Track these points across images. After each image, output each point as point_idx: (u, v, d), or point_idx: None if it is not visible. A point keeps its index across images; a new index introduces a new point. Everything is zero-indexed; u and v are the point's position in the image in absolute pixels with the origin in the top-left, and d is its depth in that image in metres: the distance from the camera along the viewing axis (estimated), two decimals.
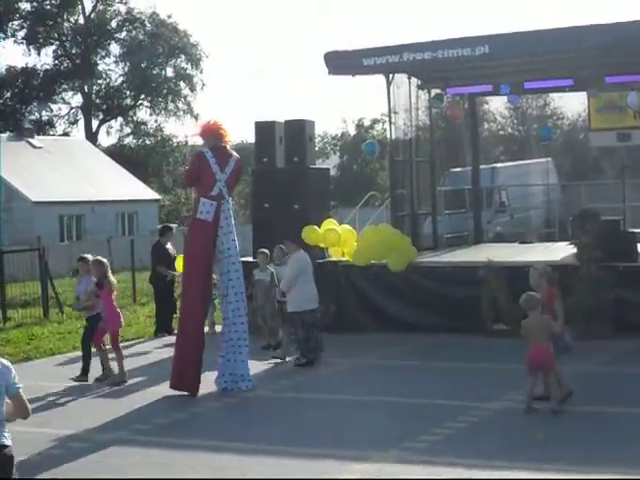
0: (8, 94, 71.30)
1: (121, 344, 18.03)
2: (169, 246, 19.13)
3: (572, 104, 51.90)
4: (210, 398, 12.65)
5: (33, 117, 69.69)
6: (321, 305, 18.10)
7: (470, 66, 19.69)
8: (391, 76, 20.01)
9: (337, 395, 12.46)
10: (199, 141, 13.98)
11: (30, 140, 56.44)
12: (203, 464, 9.31)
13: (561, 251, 18.18)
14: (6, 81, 70.44)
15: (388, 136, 21.91)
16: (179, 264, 17.46)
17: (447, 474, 8.58)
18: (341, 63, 19.74)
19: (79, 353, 17.10)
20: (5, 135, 59.12)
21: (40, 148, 56.02)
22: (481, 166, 25.19)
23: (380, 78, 20.12)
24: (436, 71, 20.47)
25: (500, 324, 16.58)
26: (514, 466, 8.73)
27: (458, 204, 25.23)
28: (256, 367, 14.76)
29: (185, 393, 12.78)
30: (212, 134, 13.22)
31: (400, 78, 20.35)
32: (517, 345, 15.44)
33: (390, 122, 20.65)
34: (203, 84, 73.53)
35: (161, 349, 17.21)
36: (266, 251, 16.62)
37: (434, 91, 21.95)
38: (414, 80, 20.97)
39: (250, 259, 18.61)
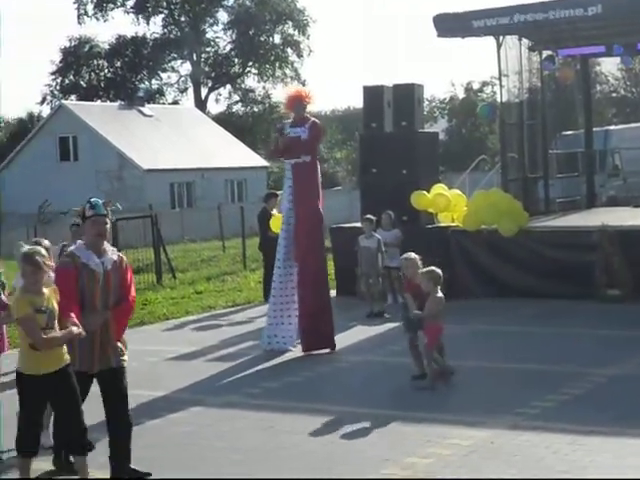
0: (119, 63, 72.45)
1: (233, 308, 18.39)
2: (275, 212, 19.20)
3: None
4: (319, 362, 12.70)
5: (143, 86, 70.64)
6: None
7: (582, 27, 19.29)
8: (501, 38, 19.72)
9: (448, 361, 12.38)
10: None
11: (141, 109, 57.26)
12: (312, 428, 9.34)
13: None
14: (117, 50, 71.53)
15: (498, 99, 21.62)
16: (275, 224, 17.52)
17: (560, 440, 8.46)
18: (450, 25, 19.50)
19: (191, 317, 17.44)
20: (116, 104, 60.13)
21: (150, 117, 56.79)
22: (594, 129, 24.69)
23: (490, 40, 19.84)
24: (547, 32, 20.07)
25: (614, 289, 16.29)
26: (627, 432, 8.58)
27: (570, 168, 24.80)
28: (363, 332, 14.79)
29: (319, 352, 13.16)
30: (291, 104, 13.54)
31: (510, 40, 20.05)
32: (631, 310, 15.20)
33: (500, 85, 20.39)
34: (310, 50, 73.65)
35: None
36: (372, 217, 16.55)
37: (545, 53, 21.54)
38: (525, 42, 20.62)
39: (358, 225, 18.60)
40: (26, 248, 7.44)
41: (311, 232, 13.38)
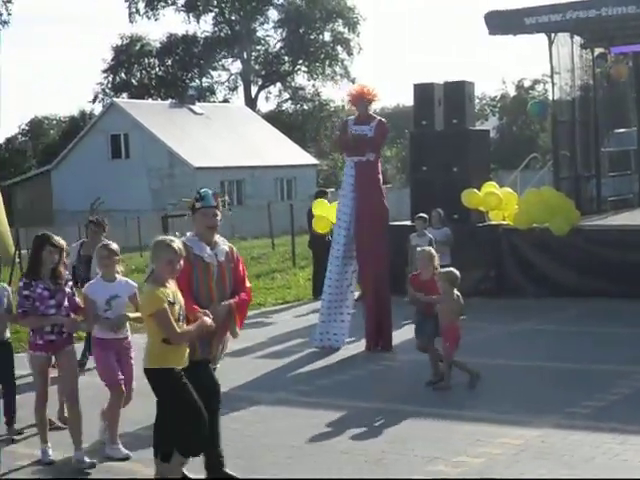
0: (170, 62, 72.88)
1: (283, 305, 18.43)
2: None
3: None
4: (370, 361, 12.72)
5: (194, 84, 71.00)
6: (481, 270, 18.03)
7: (635, 24, 19.07)
8: (553, 35, 19.57)
9: (497, 360, 12.35)
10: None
11: (191, 107, 57.56)
12: (363, 426, 9.36)
13: None
14: (168, 49, 71.94)
15: (550, 97, 21.46)
16: (319, 224, 17.56)
17: (611, 440, 8.40)
18: (502, 23, 19.41)
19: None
20: (167, 102, 60.48)
21: (201, 115, 57.06)
22: None
23: (542, 37, 19.71)
24: (600, 29, 19.90)
25: None
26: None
27: (622, 166, 24.52)
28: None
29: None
30: (355, 100, 13.50)
31: (563, 37, 19.88)
32: None
33: (552, 83, 20.22)
34: (360, 48, 73.61)
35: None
36: (425, 216, 16.52)
37: (597, 50, 21.36)
38: (577, 39, 20.46)
39: (408, 223, 18.58)
40: (161, 237, 7.33)
41: (376, 230, 13.37)
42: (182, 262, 7.24)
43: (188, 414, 7.19)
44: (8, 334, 9.64)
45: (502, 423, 9.17)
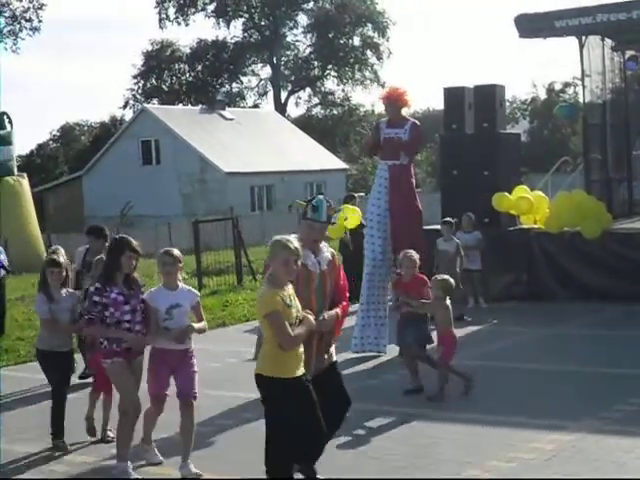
0: (200, 67, 73.18)
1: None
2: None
3: None
4: (401, 366, 12.66)
5: (224, 89, 71.23)
6: (512, 274, 17.96)
7: None
8: (584, 38, 19.48)
9: (529, 364, 12.29)
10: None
11: (221, 112, 57.72)
12: (394, 431, 9.34)
13: None
14: (198, 54, 72.22)
15: (581, 100, 21.37)
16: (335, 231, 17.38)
17: (622, 450, 8.33)
18: (532, 26, 19.32)
19: None
20: (198, 107, 60.70)
21: (231, 120, 57.21)
22: None
23: (572, 40, 19.62)
24: (631, 32, 19.77)
25: None
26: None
27: None
28: None
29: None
30: (388, 103, 13.37)
31: (593, 40, 19.79)
32: None
33: (583, 85, 20.13)
34: (390, 52, 73.64)
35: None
36: (451, 220, 16.45)
37: (628, 53, 21.24)
38: (608, 42, 20.35)
39: (438, 227, 18.53)
40: (279, 237, 6.98)
41: (413, 231, 13.27)
42: (299, 263, 6.96)
43: (298, 428, 6.86)
44: (71, 345, 9.47)
45: (534, 428, 9.13)
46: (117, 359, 8.20)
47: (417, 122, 13.63)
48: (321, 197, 7.49)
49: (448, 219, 16.57)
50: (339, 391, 7.56)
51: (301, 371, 6.94)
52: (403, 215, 13.25)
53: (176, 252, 8.39)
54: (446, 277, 10.95)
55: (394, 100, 13.26)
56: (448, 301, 10.73)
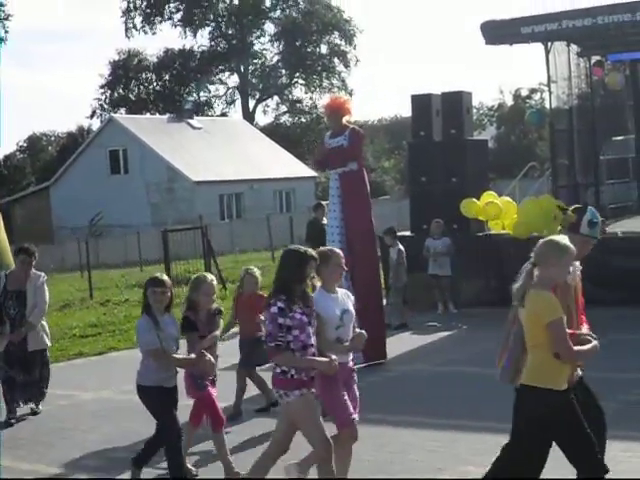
0: (167, 76, 73.04)
1: None
2: (325, 221, 19.22)
3: None
4: (369, 373, 12.67)
5: (192, 98, 71.13)
6: (482, 280, 18.03)
7: (631, 32, 19.09)
8: (550, 44, 19.61)
9: (498, 370, 12.31)
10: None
11: (189, 121, 57.63)
12: (364, 438, 9.33)
13: None
14: (165, 63, 72.09)
15: (547, 106, 21.50)
16: None
17: (615, 447, 8.36)
18: (498, 32, 19.44)
19: None
20: (165, 116, 60.57)
21: (199, 129, 57.12)
22: None
23: (538, 46, 19.75)
24: (596, 38, 19.94)
25: None
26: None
27: (621, 173, 24.59)
28: (413, 342, 14.76)
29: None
30: (330, 112, 13.43)
31: (559, 46, 19.93)
32: None
33: (549, 91, 20.27)
34: (357, 60, 73.85)
35: None
36: (394, 228, 16.74)
37: (594, 58, 21.40)
38: (573, 47, 20.50)
39: (408, 233, 18.59)
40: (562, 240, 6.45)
41: (365, 243, 13.22)
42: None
43: (580, 439, 6.41)
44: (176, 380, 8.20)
45: (505, 432, 9.11)
46: (306, 391, 7.04)
47: (357, 128, 13.56)
48: (593, 211, 6.99)
49: (390, 227, 16.82)
50: (590, 403, 7.11)
51: (567, 386, 6.48)
52: (357, 223, 13.20)
53: (339, 251, 7.67)
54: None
55: (335, 110, 13.24)
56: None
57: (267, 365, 10.61)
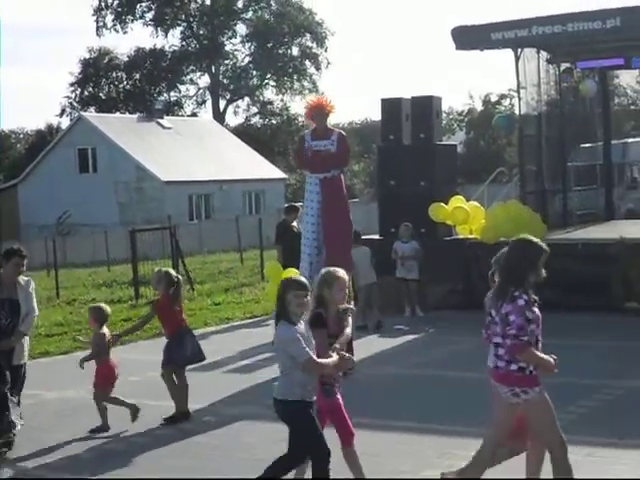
0: (137, 76, 72.81)
1: (251, 320, 18.38)
2: (295, 224, 19.21)
3: None
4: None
5: (162, 98, 70.95)
6: (449, 283, 18.10)
7: (601, 39, 19.23)
8: (520, 50, 19.71)
9: (465, 373, 12.36)
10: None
11: (159, 121, 57.49)
12: (333, 440, 9.34)
13: None
14: (136, 63, 71.83)
15: (517, 111, 21.61)
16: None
17: (577, 452, 8.43)
18: (469, 38, 19.52)
19: (209, 329, 17.44)
20: (135, 116, 60.37)
21: (169, 129, 57.00)
22: (612, 141, 24.63)
23: (508, 53, 19.85)
24: (566, 45, 20.05)
25: (632, 302, 16.23)
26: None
27: (589, 180, 24.73)
28: (380, 345, 14.77)
29: None
30: (318, 111, 12.88)
31: (529, 52, 20.03)
32: None
33: (519, 97, 20.35)
34: (328, 62, 73.91)
35: None
36: (358, 231, 16.74)
37: (564, 65, 21.53)
38: (543, 54, 20.61)
39: (376, 237, 18.62)
40: None
41: (345, 249, 12.93)
42: None
43: None
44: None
45: (472, 436, 9.17)
46: (542, 388, 7.10)
47: (343, 132, 13.31)
48: None
49: (355, 229, 16.93)
50: None
51: None
52: (336, 229, 12.88)
53: None
54: (98, 305, 10.87)
55: (322, 108, 12.83)
56: (105, 329, 10.51)
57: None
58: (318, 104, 12.92)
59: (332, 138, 12.84)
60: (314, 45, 73.13)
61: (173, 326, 10.63)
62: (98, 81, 72.91)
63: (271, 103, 75.21)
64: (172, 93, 74.41)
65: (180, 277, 11.02)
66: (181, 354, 10.50)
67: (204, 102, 75.06)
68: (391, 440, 9.28)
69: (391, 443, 9.18)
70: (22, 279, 9.89)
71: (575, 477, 6.89)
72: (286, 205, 21.34)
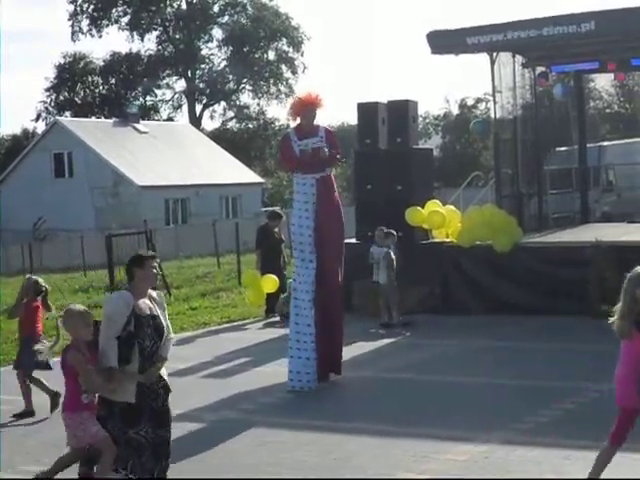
0: (113, 80, 72.62)
1: (228, 324, 18.39)
2: (276, 230, 19.22)
3: None
4: None
5: (138, 102, 70.78)
6: (425, 287, 18.11)
7: (576, 43, 19.33)
8: (495, 54, 19.78)
9: (441, 376, 12.41)
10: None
11: (135, 125, 57.33)
12: (309, 444, 9.35)
13: None
14: (111, 67, 71.65)
15: (492, 115, 21.67)
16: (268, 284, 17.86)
17: (553, 456, 8.47)
18: (444, 42, 19.56)
19: (186, 334, 17.39)
20: (111, 120, 60.19)
21: (145, 133, 56.86)
22: (588, 145, 24.75)
23: (484, 57, 19.91)
24: (541, 49, 20.15)
25: (608, 305, 16.28)
26: (621, 447, 8.57)
27: (564, 184, 24.83)
28: (359, 348, 14.78)
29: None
30: (312, 107, 12.18)
31: (504, 56, 20.11)
32: None
33: (494, 101, 20.42)
34: (305, 67, 74.04)
35: (262, 329, 17.44)
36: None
37: (539, 69, 21.62)
38: (518, 58, 20.69)
39: (353, 240, 18.62)
40: None
41: (340, 254, 12.47)
42: None
43: None
44: None
45: (447, 439, 9.21)
46: None
47: (327, 126, 12.85)
48: None
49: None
50: None
51: None
52: (335, 237, 12.40)
53: None
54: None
55: (312, 105, 12.13)
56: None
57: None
58: (312, 99, 12.16)
59: (320, 134, 12.22)
60: (290, 49, 73.24)
61: (31, 329, 11.43)
62: (74, 86, 72.66)
63: (247, 107, 75.21)
64: (148, 97, 74.31)
65: (47, 287, 11.78)
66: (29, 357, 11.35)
67: (180, 106, 75.02)
68: (367, 444, 9.28)
69: (367, 447, 9.18)
70: (154, 292, 8.40)
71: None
72: (270, 210, 21.33)
